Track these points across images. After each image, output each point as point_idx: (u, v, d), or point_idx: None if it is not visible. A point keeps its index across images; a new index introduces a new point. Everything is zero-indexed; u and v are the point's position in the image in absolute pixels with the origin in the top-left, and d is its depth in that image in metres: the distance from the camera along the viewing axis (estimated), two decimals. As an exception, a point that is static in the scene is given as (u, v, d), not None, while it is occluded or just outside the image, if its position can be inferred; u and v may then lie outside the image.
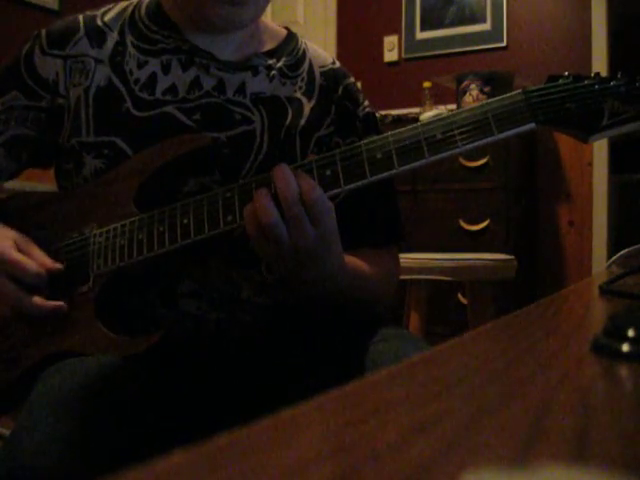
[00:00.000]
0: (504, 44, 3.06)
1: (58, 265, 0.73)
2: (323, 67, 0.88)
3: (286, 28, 0.90)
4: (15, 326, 0.74)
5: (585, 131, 0.64)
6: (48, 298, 0.72)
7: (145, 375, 0.69)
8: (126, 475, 0.18)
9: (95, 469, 0.53)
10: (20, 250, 0.72)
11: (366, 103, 0.89)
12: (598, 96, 0.63)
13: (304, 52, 0.88)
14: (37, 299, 0.71)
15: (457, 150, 0.65)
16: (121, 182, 0.75)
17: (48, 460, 0.53)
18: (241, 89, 0.80)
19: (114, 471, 0.18)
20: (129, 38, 0.81)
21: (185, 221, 0.69)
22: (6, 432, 1.37)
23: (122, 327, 0.71)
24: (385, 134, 0.67)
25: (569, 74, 0.65)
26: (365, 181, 0.66)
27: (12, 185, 0.90)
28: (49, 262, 0.73)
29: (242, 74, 0.81)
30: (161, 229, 0.70)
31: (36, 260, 0.72)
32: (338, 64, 0.90)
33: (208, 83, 0.79)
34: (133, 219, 0.72)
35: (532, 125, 0.65)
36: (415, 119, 2.68)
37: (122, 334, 0.70)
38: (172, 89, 0.78)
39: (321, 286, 0.71)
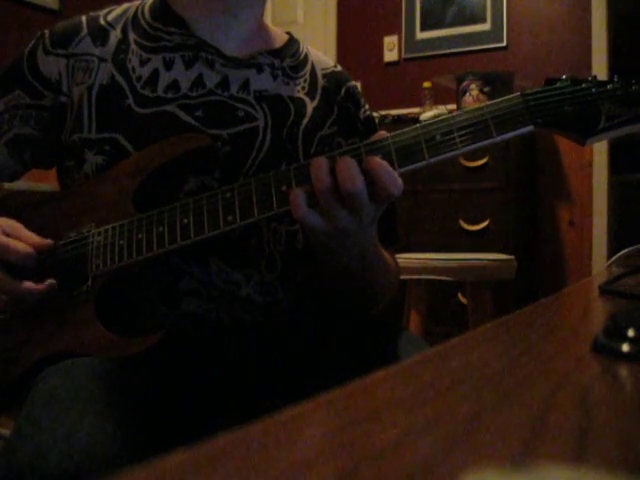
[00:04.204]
0: (504, 44, 3.06)
1: (47, 241, 0.73)
2: (325, 69, 0.89)
3: (288, 33, 0.91)
4: (15, 326, 0.74)
5: (582, 134, 0.65)
6: (46, 296, 0.72)
7: (146, 375, 0.69)
8: (126, 475, 0.18)
9: (95, 469, 0.53)
10: (7, 234, 0.72)
11: (367, 106, 0.91)
12: (595, 99, 0.64)
13: (306, 55, 0.89)
14: (28, 283, 0.70)
15: (457, 152, 0.65)
16: (120, 181, 0.75)
17: (48, 460, 0.53)
18: (245, 86, 0.81)
19: (114, 470, 0.18)
20: (132, 36, 0.81)
21: (185, 221, 0.69)
22: (6, 432, 1.37)
23: (123, 327, 0.71)
24: (384, 136, 0.67)
25: (567, 77, 0.66)
26: None
27: (12, 185, 0.90)
28: (37, 240, 0.72)
29: (247, 71, 0.81)
30: (160, 229, 0.70)
31: (24, 241, 0.71)
32: (340, 67, 0.92)
33: (212, 80, 0.80)
34: (132, 219, 0.72)
35: (530, 128, 0.65)
36: (415, 119, 2.68)
37: (123, 334, 0.70)
38: (174, 86, 0.78)
39: (357, 263, 0.72)
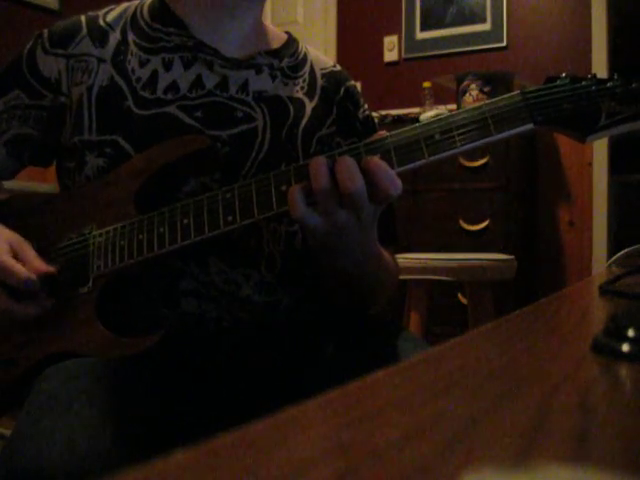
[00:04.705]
0: (504, 44, 3.06)
1: (51, 268, 0.72)
2: (324, 69, 0.89)
3: (287, 33, 0.91)
4: (15, 326, 0.74)
5: (582, 131, 0.65)
6: (46, 299, 0.71)
7: (146, 375, 0.69)
8: (126, 475, 0.18)
9: (96, 469, 0.53)
10: (15, 253, 0.71)
11: (366, 106, 0.91)
12: (595, 97, 0.64)
13: (305, 55, 0.89)
14: (26, 306, 0.70)
15: (456, 150, 0.65)
16: (121, 183, 0.75)
17: (49, 461, 0.53)
18: (244, 87, 0.81)
19: (114, 471, 0.18)
20: (131, 37, 0.81)
21: (185, 222, 0.69)
22: (6, 432, 1.37)
23: (123, 327, 0.71)
24: (383, 135, 0.67)
25: (566, 75, 0.66)
26: None
27: (13, 185, 0.90)
28: (42, 266, 0.71)
29: (245, 72, 0.81)
30: (161, 230, 0.70)
31: (29, 264, 0.71)
32: (339, 67, 0.92)
33: (211, 81, 0.80)
34: (133, 220, 0.72)
35: (530, 126, 0.65)
36: (415, 119, 2.68)
37: (123, 334, 0.70)
38: (174, 87, 0.78)
39: (356, 262, 0.72)
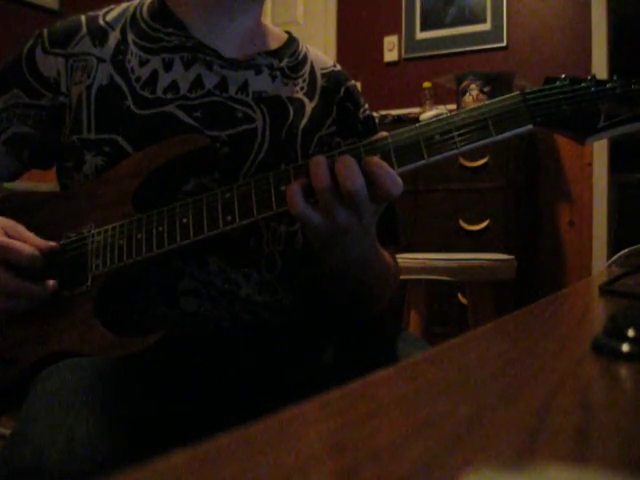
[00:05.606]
0: (504, 44, 3.06)
1: (52, 244, 0.72)
2: (325, 69, 0.89)
3: (287, 32, 0.91)
4: (14, 326, 0.74)
5: (582, 133, 0.65)
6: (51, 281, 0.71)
7: (145, 375, 0.69)
8: (126, 475, 0.18)
9: (95, 469, 0.53)
10: (10, 235, 0.71)
11: (366, 106, 0.90)
12: (594, 98, 0.64)
13: (305, 55, 0.89)
14: (36, 285, 0.70)
15: (456, 151, 0.65)
16: (119, 182, 0.75)
17: (49, 460, 0.53)
18: (244, 87, 0.81)
19: (114, 470, 0.18)
20: (131, 37, 0.81)
21: (184, 221, 0.69)
22: (6, 432, 1.37)
23: (122, 326, 0.71)
24: (384, 135, 0.67)
25: (566, 76, 0.66)
26: None
27: (12, 184, 0.90)
28: (42, 242, 0.72)
29: (245, 72, 0.81)
30: (160, 229, 0.70)
31: (29, 242, 0.71)
32: (339, 67, 0.92)
33: (210, 81, 0.80)
34: (132, 219, 0.72)
35: (529, 127, 0.65)
36: (415, 119, 2.68)
37: (122, 333, 0.70)
38: (174, 87, 0.78)
39: (356, 262, 0.72)
